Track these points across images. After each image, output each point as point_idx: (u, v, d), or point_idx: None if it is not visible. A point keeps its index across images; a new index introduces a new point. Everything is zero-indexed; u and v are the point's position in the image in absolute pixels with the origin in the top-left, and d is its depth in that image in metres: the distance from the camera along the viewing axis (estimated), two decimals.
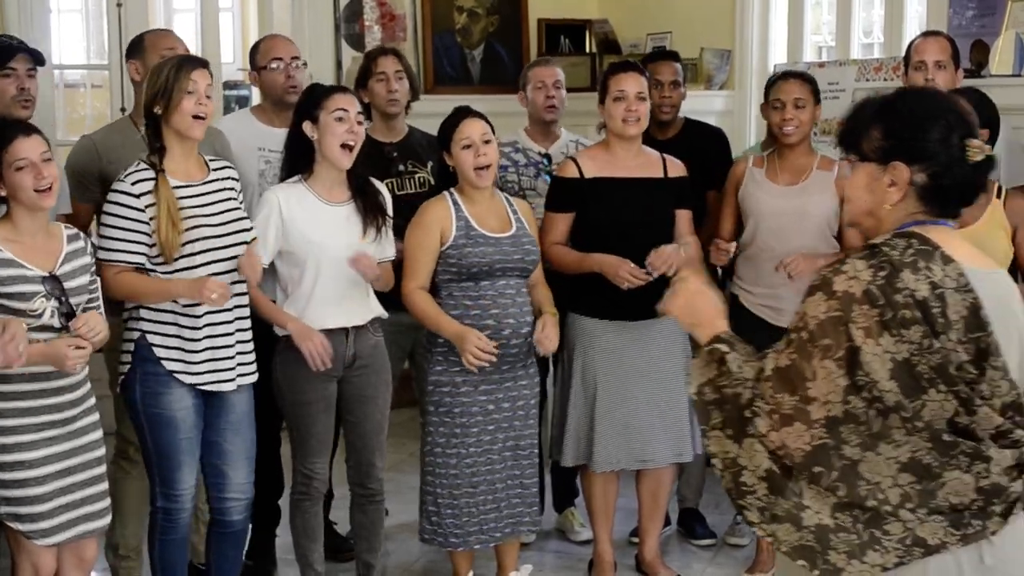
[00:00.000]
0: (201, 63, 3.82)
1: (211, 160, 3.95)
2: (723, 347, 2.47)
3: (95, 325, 3.48)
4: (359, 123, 4.02)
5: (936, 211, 2.38)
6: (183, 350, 3.77)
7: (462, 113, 4.20)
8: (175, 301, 3.74)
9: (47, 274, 3.47)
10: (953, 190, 2.37)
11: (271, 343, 4.07)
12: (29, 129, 3.51)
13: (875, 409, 2.24)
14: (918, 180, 2.35)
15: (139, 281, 3.74)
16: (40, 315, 3.43)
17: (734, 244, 4.45)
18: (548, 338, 4.17)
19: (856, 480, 2.28)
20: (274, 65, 4.62)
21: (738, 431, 2.38)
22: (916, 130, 2.36)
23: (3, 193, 3.46)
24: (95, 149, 4.26)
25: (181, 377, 3.77)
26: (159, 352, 3.77)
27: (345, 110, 3.98)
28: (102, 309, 3.67)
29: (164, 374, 3.77)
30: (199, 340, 3.77)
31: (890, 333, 2.22)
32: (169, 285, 3.73)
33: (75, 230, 3.69)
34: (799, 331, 2.30)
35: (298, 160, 4.08)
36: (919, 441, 2.25)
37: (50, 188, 3.46)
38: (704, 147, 4.93)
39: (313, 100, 4.03)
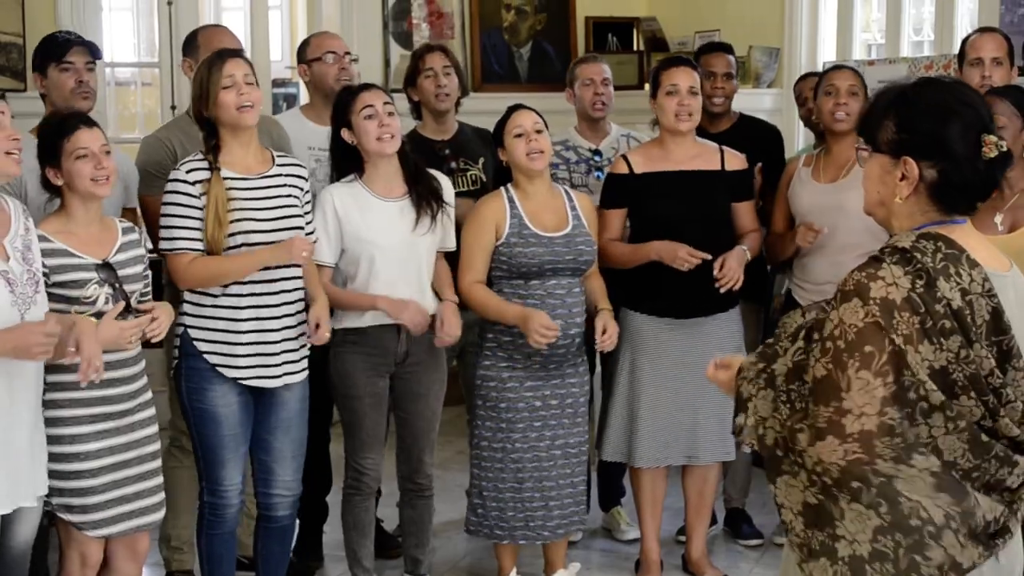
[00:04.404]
0: (234, 53, 3.84)
1: (280, 155, 3.97)
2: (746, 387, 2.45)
3: (163, 319, 3.53)
4: (390, 114, 4.03)
5: (946, 208, 2.32)
6: (227, 343, 3.78)
7: (514, 107, 4.25)
8: (218, 294, 3.77)
9: (101, 261, 3.51)
10: (965, 188, 2.32)
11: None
12: (91, 122, 3.57)
13: (909, 419, 2.21)
14: (928, 176, 2.30)
15: (218, 262, 3.74)
16: (94, 302, 3.47)
17: (825, 228, 4.34)
18: (609, 337, 4.20)
19: (896, 496, 2.25)
20: (329, 57, 4.64)
21: (771, 470, 2.38)
22: (928, 126, 2.30)
23: (59, 182, 3.51)
24: (164, 145, 4.29)
25: (224, 371, 3.79)
26: (201, 347, 3.79)
27: (371, 106, 4.01)
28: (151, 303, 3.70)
29: (207, 368, 3.79)
30: (243, 333, 3.79)
31: (930, 341, 2.19)
32: (257, 255, 3.74)
33: (130, 224, 3.74)
34: (835, 339, 2.24)
35: (345, 164, 4.12)
36: (956, 443, 2.23)
37: (107, 179, 3.51)
38: (756, 144, 4.85)
39: (342, 107, 4.07)
